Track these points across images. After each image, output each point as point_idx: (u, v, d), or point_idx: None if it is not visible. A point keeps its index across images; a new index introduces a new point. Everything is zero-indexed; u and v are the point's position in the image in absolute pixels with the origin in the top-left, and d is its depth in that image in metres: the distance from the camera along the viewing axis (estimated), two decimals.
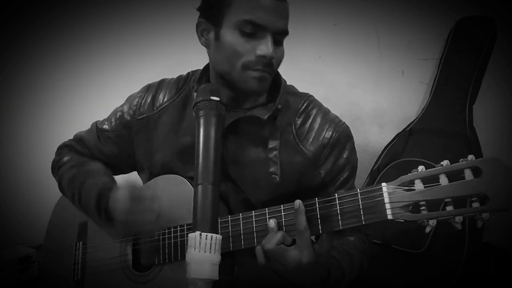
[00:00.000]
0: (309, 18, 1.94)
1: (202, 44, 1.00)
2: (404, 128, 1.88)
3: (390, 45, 1.96)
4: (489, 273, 1.67)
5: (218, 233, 0.74)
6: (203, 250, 0.72)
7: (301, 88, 1.08)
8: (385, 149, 1.88)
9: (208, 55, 1.01)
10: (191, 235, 0.73)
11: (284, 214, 0.84)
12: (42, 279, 1.24)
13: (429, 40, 1.91)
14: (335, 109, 1.10)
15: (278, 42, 0.94)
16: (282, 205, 0.85)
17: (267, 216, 0.86)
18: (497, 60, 1.79)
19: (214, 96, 0.85)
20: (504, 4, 1.76)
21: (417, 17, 1.88)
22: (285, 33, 0.94)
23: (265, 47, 0.90)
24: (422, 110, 1.88)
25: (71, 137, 1.24)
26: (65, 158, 1.17)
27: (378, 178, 1.82)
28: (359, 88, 2.01)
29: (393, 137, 1.89)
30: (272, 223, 0.84)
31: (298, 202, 0.82)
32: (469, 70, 1.79)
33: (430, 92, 1.88)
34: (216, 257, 0.72)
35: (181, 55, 1.93)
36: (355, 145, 1.04)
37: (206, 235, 0.72)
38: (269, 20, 0.90)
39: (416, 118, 1.88)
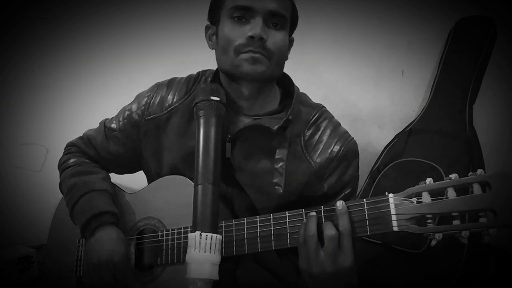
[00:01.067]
0: (309, 19, 1.94)
1: (210, 48, 1.01)
2: (404, 128, 1.88)
3: (390, 45, 1.96)
4: (489, 273, 1.66)
5: (218, 233, 0.74)
6: (203, 250, 0.72)
7: (301, 88, 1.08)
8: (385, 149, 1.88)
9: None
10: (191, 235, 0.73)
11: (289, 221, 0.84)
12: (42, 279, 1.24)
13: (429, 40, 1.91)
14: (335, 109, 1.10)
15: (274, 25, 0.93)
16: (287, 212, 0.84)
17: (272, 222, 0.85)
18: (497, 60, 1.79)
19: (214, 96, 0.85)
20: (504, 4, 1.76)
21: (417, 17, 1.88)
22: (279, 15, 0.92)
23: (252, 27, 0.89)
24: (422, 110, 1.88)
25: (71, 138, 1.23)
26: (71, 161, 1.16)
27: (378, 178, 1.82)
28: (359, 88, 2.01)
29: (393, 137, 1.89)
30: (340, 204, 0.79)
31: (341, 203, 0.79)
32: (469, 70, 1.79)
33: (430, 92, 1.88)
34: (216, 257, 0.72)
35: (181, 55, 1.94)
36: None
37: (206, 235, 0.72)
38: (256, 2, 0.89)
39: (416, 118, 1.87)
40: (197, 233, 0.72)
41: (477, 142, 1.75)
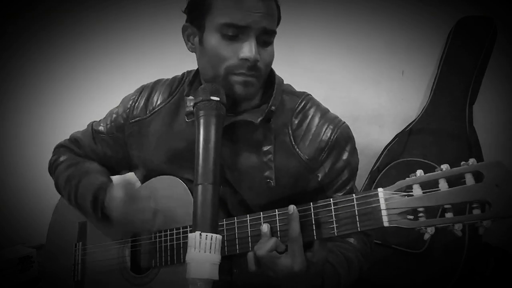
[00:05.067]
0: (309, 18, 1.94)
1: (189, 50, 0.97)
2: (404, 128, 1.88)
3: (390, 45, 1.96)
4: (489, 273, 1.67)
5: (218, 233, 0.74)
6: (203, 250, 0.71)
7: (301, 88, 1.07)
8: (385, 149, 1.88)
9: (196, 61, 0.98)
10: (191, 235, 0.73)
11: (279, 219, 0.83)
12: (42, 279, 1.24)
13: (429, 40, 1.91)
14: (335, 109, 1.10)
15: (265, 43, 0.89)
16: (276, 210, 0.83)
17: (262, 220, 0.84)
18: (497, 59, 1.79)
19: (214, 96, 0.85)
20: (504, 4, 1.76)
21: (417, 17, 1.88)
22: (271, 32, 0.89)
23: (247, 50, 0.86)
24: (422, 110, 1.88)
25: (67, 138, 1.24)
26: (62, 158, 1.17)
27: (378, 178, 1.82)
28: (359, 88, 2.01)
29: (393, 137, 1.89)
30: (265, 228, 0.82)
31: (292, 207, 0.79)
32: (469, 70, 1.79)
33: (430, 92, 1.88)
34: (216, 257, 0.72)
35: (179, 55, 1.93)
36: (355, 145, 1.01)
37: (206, 235, 0.72)
38: (251, 20, 0.85)
39: (416, 118, 1.88)
40: (197, 233, 0.72)
41: (477, 142, 1.75)
